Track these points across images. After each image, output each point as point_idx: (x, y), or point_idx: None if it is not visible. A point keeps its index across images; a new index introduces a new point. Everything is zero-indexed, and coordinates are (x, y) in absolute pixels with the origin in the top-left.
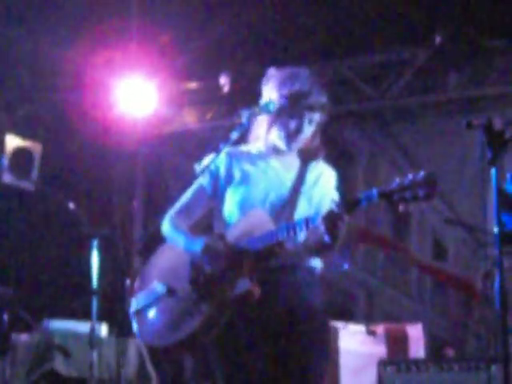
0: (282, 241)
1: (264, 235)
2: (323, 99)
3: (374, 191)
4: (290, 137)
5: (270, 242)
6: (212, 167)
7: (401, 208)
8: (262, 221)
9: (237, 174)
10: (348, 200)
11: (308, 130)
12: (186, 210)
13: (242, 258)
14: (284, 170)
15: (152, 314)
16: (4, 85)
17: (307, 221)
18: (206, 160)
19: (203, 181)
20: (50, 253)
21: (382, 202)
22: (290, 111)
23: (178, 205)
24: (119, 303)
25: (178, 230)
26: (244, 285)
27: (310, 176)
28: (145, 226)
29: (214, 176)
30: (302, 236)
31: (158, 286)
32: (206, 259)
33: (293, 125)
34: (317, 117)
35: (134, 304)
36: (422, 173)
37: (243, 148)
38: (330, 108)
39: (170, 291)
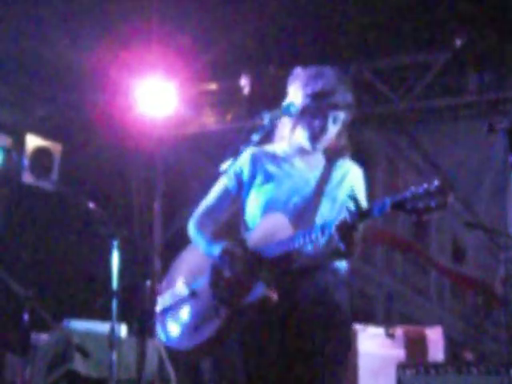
0: (299, 247)
1: (281, 241)
2: (348, 98)
3: (387, 201)
4: (315, 136)
5: (286, 249)
6: (236, 168)
7: (413, 218)
8: (281, 225)
9: (260, 175)
10: (360, 210)
11: (333, 130)
12: (210, 211)
13: (259, 263)
14: (309, 169)
15: (175, 315)
16: (24, 85)
17: (323, 228)
18: (230, 161)
19: (227, 182)
20: (69, 253)
21: (395, 211)
22: (314, 110)
23: (202, 206)
24: (139, 304)
25: (201, 233)
26: (260, 290)
27: (336, 175)
28: (164, 227)
29: (238, 177)
30: (322, 241)
31: (182, 288)
32: (224, 263)
33: (317, 124)
34: (342, 116)
35: (161, 303)
36: (435, 182)
37: (268, 148)
38: (355, 107)
39: (193, 294)
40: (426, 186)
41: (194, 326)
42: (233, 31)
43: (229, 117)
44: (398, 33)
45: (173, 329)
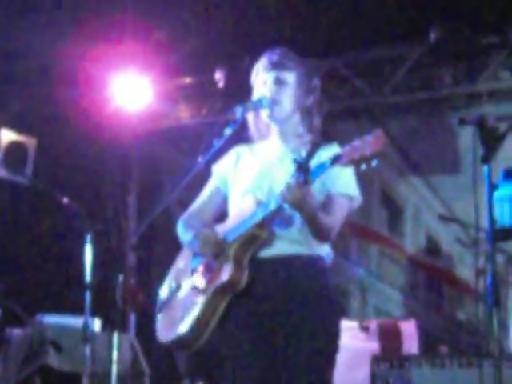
0: (262, 223)
1: (244, 220)
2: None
3: (327, 159)
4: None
5: (248, 226)
6: (223, 167)
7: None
8: (248, 206)
9: (243, 171)
10: (302, 161)
11: (285, 100)
12: (200, 212)
13: (226, 245)
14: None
15: (164, 311)
16: None
17: (276, 199)
18: (221, 160)
19: (217, 181)
20: (43, 247)
21: (335, 165)
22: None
23: (192, 206)
24: (112, 298)
25: (188, 229)
26: (227, 272)
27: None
28: (139, 221)
29: (226, 176)
30: (273, 205)
31: (171, 283)
32: (195, 248)
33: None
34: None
35: (159, 302)
36: (371, 133)
37: (252, 145)
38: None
39: (178, 286)
40: (362, 137)
41: (175, 319)
42: (207, 25)
43: (204, 111)
44: (373, 26)
45: (160, 324)
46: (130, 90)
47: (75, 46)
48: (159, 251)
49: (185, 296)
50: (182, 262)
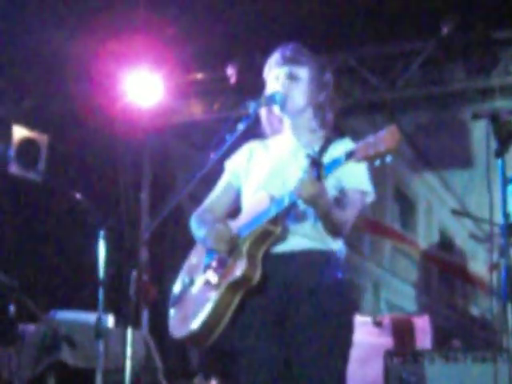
0: (276, 219)
1: (257, 216)
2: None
3: (342, 155)
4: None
5: (262, 222)
6: (236, 162)
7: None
8: (262, 202)
9: (255, 167)
10: (317, 157)
11: (297, 95)
12: (213, 207)
13: (240, 241)
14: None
15: (177, 306)
16: (10, 76)
17: (290, 195)
18: (234, 156)
19: (230, 177)
20: (56, 243)
21: (350, 161)
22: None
23: (205, 202)
24: (125, 294)
25: (201, 225)
26: (241, 267)
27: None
28: (151, 216)
29: (239, 171)
30: (286, 202)
31: (184, 278)
32: (210, 242)
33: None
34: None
35: (172, 297)
36: (384, 129)
37: (266, 140)
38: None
39: (191, 282)
40: (376, 133)
41: (188, 315)
42: (219, 20)
43: (216, 106)
44: (386, 21)
45: (173, 319)
46: (142, 86)
47: (87, 43)
48: (172, 247)
49: (198, 292)
50: (195, 257)
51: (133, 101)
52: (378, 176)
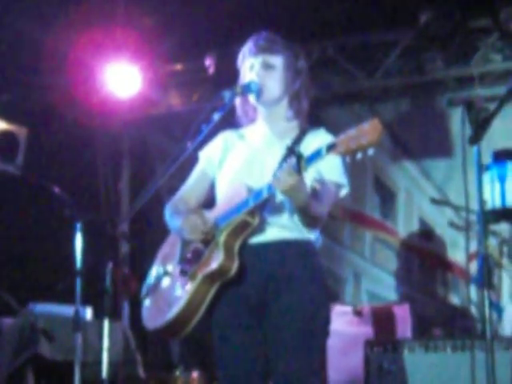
0: (253, 210)
1: (234, 207)
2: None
3: (323, 147)
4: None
5: (239, 213)
6: (210, 150)
7: (348, 159)
8: (239, 192)
9: (231, 155)
10: (297, 155)
11: (273, 84)
12: (187, 196)
13: (216, 231)
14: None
15: (150, 297)
16: None
17: (268, 187)
18: (208, 145)
19: (205, 165)
20: (34, 237)
21: (332, 153)
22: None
23: (180, 191)
24: (103, 286)
25: (175, 215)
26: (217, 259)
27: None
28: (130, 207)
29: (213, 160)
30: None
31: (158, 269)
32: (186, 232)
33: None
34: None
35: (144, 288)
36: (367, 121)
37: (241, 129)
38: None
39: (165, 272)
40: (358, 125)
41: (163, 306)
42: (197, 11)
43: (194, 97)
44: (364, 10)
45: (146, 311)
46: (121, 78)
47: (65, 35)
48: (152, 239)
49: (172, 282)
50: (168, 247)
51: (111, 92)
52: (357, 166)
